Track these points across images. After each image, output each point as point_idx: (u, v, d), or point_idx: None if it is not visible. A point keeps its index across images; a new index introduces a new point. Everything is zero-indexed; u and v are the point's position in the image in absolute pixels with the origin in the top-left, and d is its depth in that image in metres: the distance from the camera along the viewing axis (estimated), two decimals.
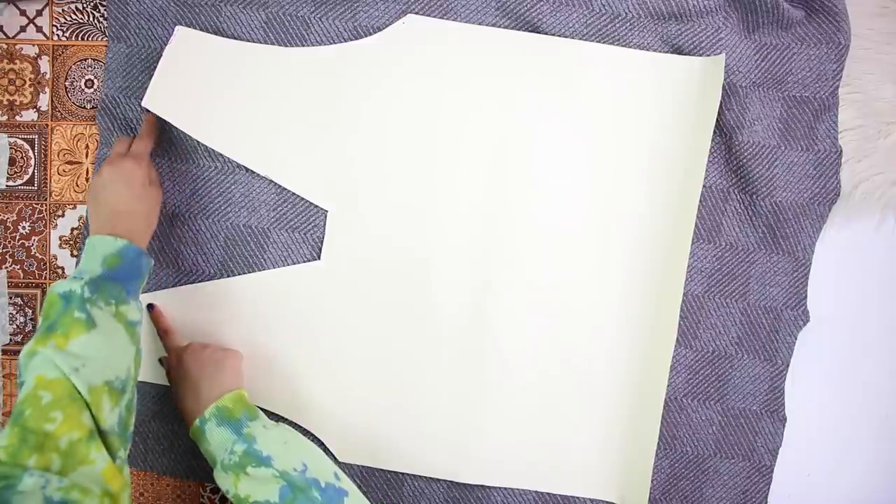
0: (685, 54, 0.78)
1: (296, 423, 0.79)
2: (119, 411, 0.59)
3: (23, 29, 0.81)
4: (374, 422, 0.79)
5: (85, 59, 0.81)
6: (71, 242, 0.81)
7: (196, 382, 0.70)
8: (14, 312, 0.82)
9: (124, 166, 0.69)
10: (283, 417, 0.79)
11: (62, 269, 0.81)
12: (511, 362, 0.79)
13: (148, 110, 0.76)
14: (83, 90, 0.81)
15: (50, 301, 0.61)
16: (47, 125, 0.81)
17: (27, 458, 0.52)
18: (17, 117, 0.81)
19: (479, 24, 0.78)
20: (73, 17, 0.81)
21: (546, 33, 0.78)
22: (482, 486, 0.80)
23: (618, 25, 0.78)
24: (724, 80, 0.76)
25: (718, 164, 0.79)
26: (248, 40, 0.79)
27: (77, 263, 0.79)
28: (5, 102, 0.81)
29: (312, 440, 0.79)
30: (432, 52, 0.78)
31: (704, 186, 0.78)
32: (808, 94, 0.79)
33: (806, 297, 0.80)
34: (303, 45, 0.79)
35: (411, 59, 0.78)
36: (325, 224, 0.79)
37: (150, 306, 0.78)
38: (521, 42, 0.78)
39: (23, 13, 0.81)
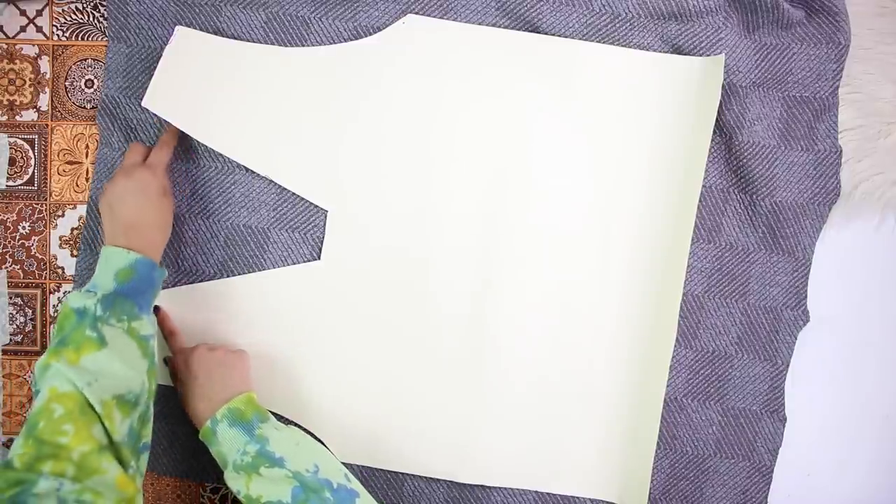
0: (685, 54, 0.78)
1: (296, 423, 0.79)
2: (130, 423, 0.60)
3: (23, 29, 0.81)
4: (374, 422, 0.79)
5: (85, 59, 0.81)
6: (71, 242, 0.81)
7: (205, 385, 0.70)
8: (14, 312, 0.82)
9: (141, 177, 0.69)
10: (284, 417, 0.79)
11: (62, 269, 0.81)
12: (511, 362, 0.79)
13: (169, 122, 0.76)
14: (83, 90, 0.81)
15: (64, 314, 0.62)
16: (47, 125, 0.81)
17: (42, 466, 0.54)
18: (17, 117, 0.81)
19: (480, 24, 0.78)
20: (73, 17, 0.81)
21: (546, 33, 0.78)
22: (482, 486, 0.80)
23: (618, 25, 0.78)
24: (724, 80, 0.76)
25: (718, 164, 0.79)
26: (248, 40, 0.79)
27: (76, 266, 0.80)
28: (5, 102, 0.81)
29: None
30: (432, 53, 0.78)
31: (704, 186, 0.78)
32: (808, 94, 0.79)
33: (806, 297, 0.80)
34: (303, 45, 0.79)
35: (411, 59, 0.78)
36: (325, 224, 0.79)
37: (156, 308, 0.77)
38: (521, 42, 0.78)
39: (23, 13, 0.81)
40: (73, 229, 0.82)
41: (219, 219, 0.80)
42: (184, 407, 0.72)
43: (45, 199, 0.82)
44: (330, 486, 0.62)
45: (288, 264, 0.80)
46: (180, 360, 0.72)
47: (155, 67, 0.77)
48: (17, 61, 0.81)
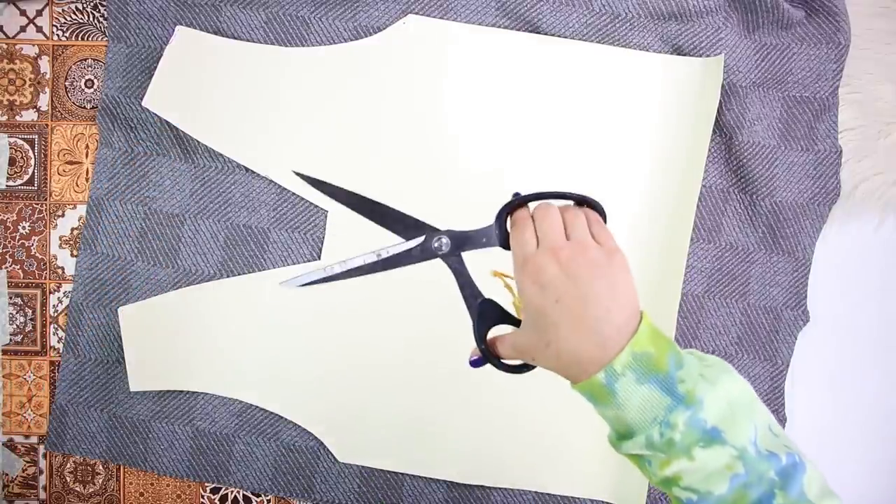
0: (685, 54, 0.78)
1: (295, 423, 0.79)
2: None
3: (23, 29, 0.81)
4: (374, 422, 0.79)
5: (85, 59, 0.81)
6: (71, 242, 0.81)
7: (575, 306, 0.46)
8: (14, 312, 0.82)
9: None
10: (283, 418, 0.79)
11: (62, 269, 0.81)
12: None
13: None
14: (83, 90, 0.81)
15: None
16: (47, 125, 0.81)
17: None
18: (17, 117, 0.81)
19: (480, 24, 0.78)
20: (73, 17, 0.81)
21: (546, 33, 0.78)
22: (482, 486, 0.80)
23: (618, 25, 0.78)
24: (724, 80, 0.76)
25: (718, 164, 0.79)
26: (248, 40, 0.79)
27: (76, 266, 0.79)
28: (5, 102, 0.81)
29: (312, 440, 0.79)
30: (432, 53, 0.78)
31: (704, 186, 0.78)
32: (808, 94, 0.79)
33: (806, 297, 0.80)
34: (303, 45, 0.79)
35: (411, 59, 0.78)
36: (325, 224, 0.79)
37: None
38: (521, 42, 0.78)
39: (23, 13, 0.81)
40: (73, 229, 0.82)
41: (219, 219, 0.80)
42: (531, 347, 0.51)
43: (45, 199, 0.82)
44: (776, 462, 0.44)
45: (288, 264, 0.80)
46: (527, 277, 0.50)
47: (155, 67, 0.77)
48: (17, 61, 0.81)
